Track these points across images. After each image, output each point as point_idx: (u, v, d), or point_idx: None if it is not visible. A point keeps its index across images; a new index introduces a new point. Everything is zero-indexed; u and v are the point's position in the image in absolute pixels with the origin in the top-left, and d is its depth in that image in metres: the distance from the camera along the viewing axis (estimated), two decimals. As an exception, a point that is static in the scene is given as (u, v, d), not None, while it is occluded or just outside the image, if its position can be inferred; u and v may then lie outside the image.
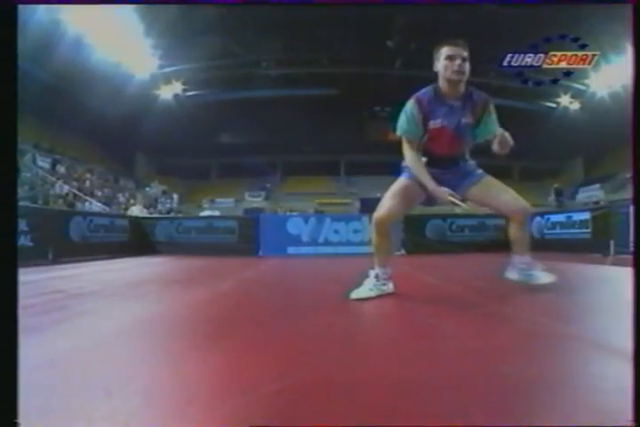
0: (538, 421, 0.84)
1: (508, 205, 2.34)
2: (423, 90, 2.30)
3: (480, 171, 2.42)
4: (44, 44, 13.40)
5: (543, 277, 2.40)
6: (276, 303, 2.48)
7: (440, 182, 2.27)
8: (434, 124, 2.24)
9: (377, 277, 2.36)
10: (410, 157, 2.31)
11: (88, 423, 0.85)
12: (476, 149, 2.47)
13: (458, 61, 2.18)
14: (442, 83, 2.25)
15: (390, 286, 2.42)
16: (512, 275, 2.49)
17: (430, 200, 2.40)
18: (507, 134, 2.20)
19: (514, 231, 2.40)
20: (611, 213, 6.15)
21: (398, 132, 2.32)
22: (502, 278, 2.52)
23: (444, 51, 2.20)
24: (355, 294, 2.29)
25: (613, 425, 0.79)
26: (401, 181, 2.40)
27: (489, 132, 2.28)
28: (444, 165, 2.35)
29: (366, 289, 2.33)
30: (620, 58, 14.92)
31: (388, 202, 2.34)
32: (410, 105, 2.27)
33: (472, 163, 2.45)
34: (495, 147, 2.22)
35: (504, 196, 2.35)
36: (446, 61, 2.19)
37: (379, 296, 2.33)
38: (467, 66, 2.21)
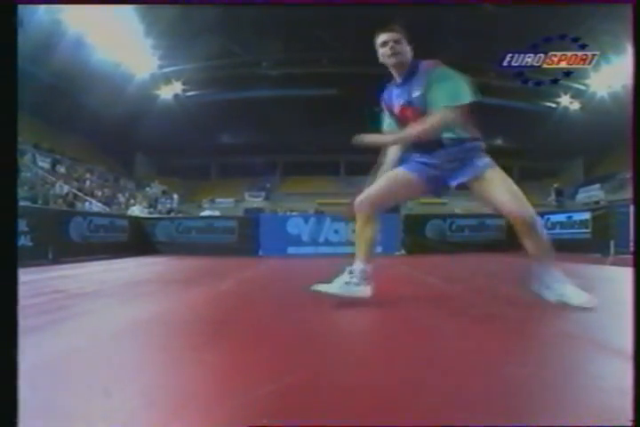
0: (538, 421, 0.84)
1: (506, 209, 2.03)
2: None
3: (485, 160, 2.11)
4: (44, 44, 13.40)
5: (576, 296, 1.95)
6: (275, 303, 2.48)
7: (441, 172, 2.15)
8: (395, 107, 2.21)
9: (351, 273, 2.12)
10: (385, 135, 2.32)
11: (88, 423, 0.85)
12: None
13: (390, 44, 2.12)
14: (391, 70, 2.22)
15: (365, 290, 2.11)
16: (547, 293, 2.02)
17: (435, 191, 2.27)
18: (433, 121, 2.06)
19: (521, 238, 2.05)
20: (611, 213, 6.16)
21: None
22: (536, 292, 2.06)
23: (378, 39, 2.16)
24: (320, 286, 2.11)
25: (613, 425, 0.79)
26: (394, 170, 2.28)
27: (432, 98, 2.08)
28: (429, 146, 2.14)
29: (334, 286, 2.11)
30: (620, 58, 14.93)
31: (372, 186, 2.22)
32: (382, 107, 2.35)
33: (476, 145, 2.13)
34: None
35: (503, 197, 2.04)
36: (381, 48, 2.15)
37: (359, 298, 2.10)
38: (401, 47, 2.13)
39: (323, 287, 2.11)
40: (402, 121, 2.19)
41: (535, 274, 2.05)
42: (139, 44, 16.86)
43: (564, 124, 20.86)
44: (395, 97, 2.20)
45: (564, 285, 1.97)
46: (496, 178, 2.08)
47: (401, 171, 2.24)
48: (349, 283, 2.10)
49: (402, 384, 1.05)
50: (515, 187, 2.07)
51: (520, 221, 2.00)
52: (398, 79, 2.19)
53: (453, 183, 2.15)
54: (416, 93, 2.10)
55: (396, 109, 2.19)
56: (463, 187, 2.15)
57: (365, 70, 20.22)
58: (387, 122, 2.33)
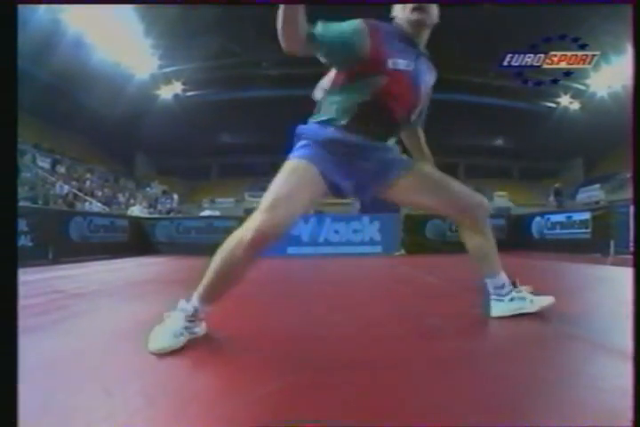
0: (538, 421, 0.84)
1: (462, 199, 1.64)
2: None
3: (405, 157, 1.71)
4: (44, 44, 13.41)
5: (538, 299, 1.77)
6: (275, 303, 2.48)
7: (360, 171, 1.55)
8: (394, 63, 1.49)
9: (192, 316, 1.45)
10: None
11: (88, 424, 0.85)
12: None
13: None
14: (406, 23, 1.59)
15: (202, 327, 1.51)
16: (499, 310, 1.74)
17: (336, 190, 1.55)
18: None
19: (476, 239, 1.70)
20: (611, 213, 6.16)
21: (322, 32, 1.48)
22: (487, 317, 1.76)
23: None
24: (155, 344, 1.37)
25: (613, 425, 0.79)
26: (298, 168, 1.49)
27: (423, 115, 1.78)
28: (383, 129, 1.57)
29: (169, 335, 1.39)
30: (620, 58, 14.94)
31: (275, 213, 1.39)
32: (356, 22, 1.53)
33: (395, 147, 1.69)
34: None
35: (452, 187, 1.65)
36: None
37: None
38: (432, 10, 1.57)
39: (159, 344, 1.37)
40: (389, 82, 1.49)
41: (488, 289, 1.76)
42: (139, 44, 16.86)
43: (564, 124, 20.86)
44: (402, 52, 1.53)
45: (518, 288, 1.75)
46: (430, 169, 1.71)
47: (309, 170, 1.49)
48: (188, 327, 1.44)
49: (401, 384, 1.05)
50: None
51: (480, 206, 1.68)
52: (416, 41, 1.59)
53: (379, 187, 1.62)
54: (429, 77, 1.66)
55: (394, 65, 1.49)
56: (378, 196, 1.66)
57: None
58: (346, 43, 1.48)
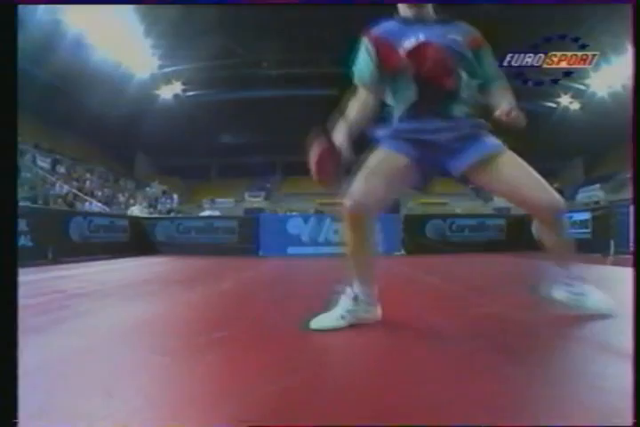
0: (539, 421, 0.84)
1: (531, 196, 1.65)
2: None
3: (495, 141, 1.72)
4: (44, 44, 13.41)
5: (599, 302, 1.73)
6: (275, 303, 2.48)
7: (434, 149, 1.66)
8: (409, 42, 1.64)
9: (356, 299, 1.68)
10: (352, 102, 1.72)
11: (88, 423, 0.85)
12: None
13: None
14: (404, 11, 1.74)
15: (376, 313, 1.72)
16: (559, 293, 1.78)
17: (420, 182, 1.76)
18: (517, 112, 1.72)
19: (545, 234, 1.73)
20: (611, 213, 6.17)
21: (355, 80, 1.76)
22: (546, 296, 1.81)
23: None
24: (316, 323, 1.66)
25: (613, 425, 0.79)
26: (379, 155, 1.69)
27: (489, 69, 1.86)
28: (436, 105, 1.66)
29: (335, 316, 1.67)
30: (620, 58, 14.94)
31: (363, 185, 1.63)
32: (361, 41, 1.74)
33: (481, 122, 1.74)
34: (499, 114, 1.69)
35: (527, 181, 1.68)
36: None
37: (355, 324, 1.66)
38: None
39: (320, 324, 1.65)
40: (415, 59, 1.64)
41: (549, 273, 1.79)
42: (139, 44, 16.86)
43: (564, 124, 20.86)
44: (413, 32, 1.67)
45: (585, 284, 1.75)
46: (514, 160, 1.70)
47: (391, 157, 1.67)
48: (355, 310, 1.68)
49: (401, 384, 1.05)
50: (535, 172, 1.71)
51: (549, 208, 1.67)
52: (423, 19, 1.71)
53: (458, 168, 1.67)
54: (453, 37, 1.69)
55: (410, 44, 1.64)
56: (460, 179, 1.73)
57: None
58: (362, 67, 1.74)
